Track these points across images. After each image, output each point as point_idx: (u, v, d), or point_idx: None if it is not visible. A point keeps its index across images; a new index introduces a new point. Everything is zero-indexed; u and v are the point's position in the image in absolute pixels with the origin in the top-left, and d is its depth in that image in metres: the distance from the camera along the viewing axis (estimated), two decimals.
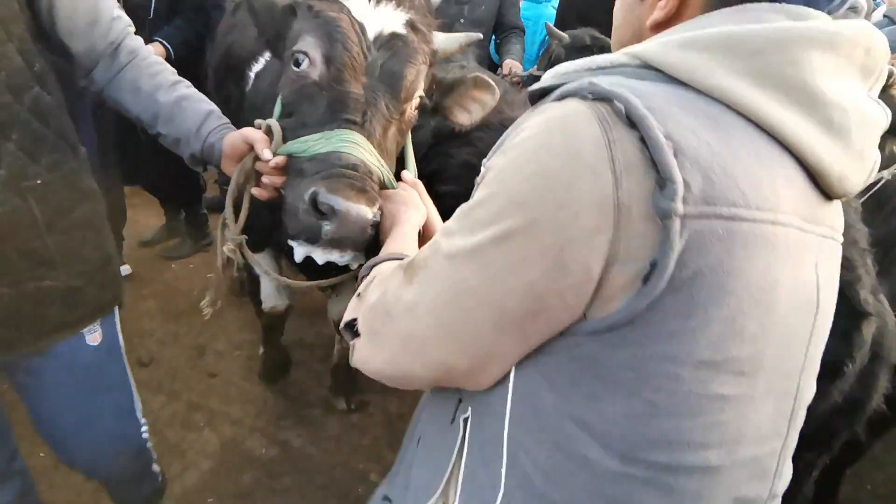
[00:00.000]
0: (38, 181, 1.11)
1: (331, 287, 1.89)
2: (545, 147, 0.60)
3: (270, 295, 2.12)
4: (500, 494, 0.69)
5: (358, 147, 1.04)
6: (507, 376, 0.69)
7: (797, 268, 0.63)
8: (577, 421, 0.64)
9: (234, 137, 1.17)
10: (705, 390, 0.61)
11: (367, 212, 0.99)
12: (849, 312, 0.93)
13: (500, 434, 0.69)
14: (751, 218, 0.58)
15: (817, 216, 0.65)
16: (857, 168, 0.66)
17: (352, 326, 0.80)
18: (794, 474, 1.14)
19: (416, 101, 1.21)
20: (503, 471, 0.69)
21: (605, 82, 0.60)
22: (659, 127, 0.56)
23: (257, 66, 1.72)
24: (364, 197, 1.00)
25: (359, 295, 0.82)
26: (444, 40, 1.28)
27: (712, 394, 0.61)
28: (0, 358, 1.16)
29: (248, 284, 2.21)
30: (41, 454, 2.18)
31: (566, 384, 0.64)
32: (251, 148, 1.13)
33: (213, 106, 1.27)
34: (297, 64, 1.14)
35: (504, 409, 0.69)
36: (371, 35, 1.13)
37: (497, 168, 0.65)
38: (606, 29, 2.14)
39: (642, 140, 0.56)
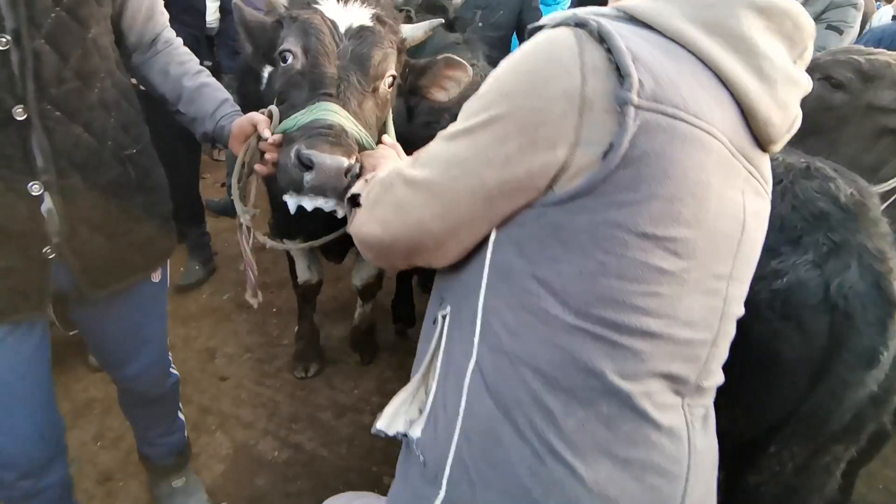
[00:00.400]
0: (134, 150, 1.35)
1: (339, 257, 2.30)
2: (532, 53, 0.76)
3: (303, 271, 2.49)
4: (473, 361, 0.81)
5: (333, 113, 1.22)
6: (484, 253, 0.82)
7: (725, 181, 0.76)
8: (541, 280, 0.76)
9: (242, 120, 1.37)
10: (646, 259, 0.73)
11: (342, 161, 1.14)
12: (882, 302, 0.95)
13: (475, 308, 0.82)
14: (689, 121, 0.71)
15: (747, 152, 0.79)
16: (781, 117, 0.79)
17: (354, 199, 0.98)
18: (823, 468, 1.15)
19: (388, 80, 1.39)
20: (476, 339, 0.81)
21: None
22: (622, 41, 0.71)
23: (268, 70, 1.86)
24: (339, 149, 1.15)
25: (366, 180, 1.01)
26: (410, 29, 1.47)
27: (652, 264, 0.73)
28: (93, 294, 1.35)
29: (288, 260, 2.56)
30: None
31: (534, 249, 0.77)
32: (255, 129, 1.32)
33: (227, 95, 1.49)
34: (285, 60, 1.36)
35: (480, 283, 0.82)
36: (342, 29, 1.33)
37: (494, 74, 0.80)
38: None
39: (608, 51, 0.71)
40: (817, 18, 2.67)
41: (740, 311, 0.85)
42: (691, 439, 0.81)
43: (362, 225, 0.94)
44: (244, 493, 2.10)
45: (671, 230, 0.72)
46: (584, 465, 0.75)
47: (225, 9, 3.10)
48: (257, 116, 1.33)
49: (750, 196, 0.80)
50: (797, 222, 1.04)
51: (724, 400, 1.09)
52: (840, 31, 2.62)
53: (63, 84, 1.17)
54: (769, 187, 0.85)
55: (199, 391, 2.51)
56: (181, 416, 1.94)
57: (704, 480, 0.84)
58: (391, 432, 0.94)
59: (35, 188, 1.18)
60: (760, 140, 0.80)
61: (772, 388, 1.05)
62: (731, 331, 0.85)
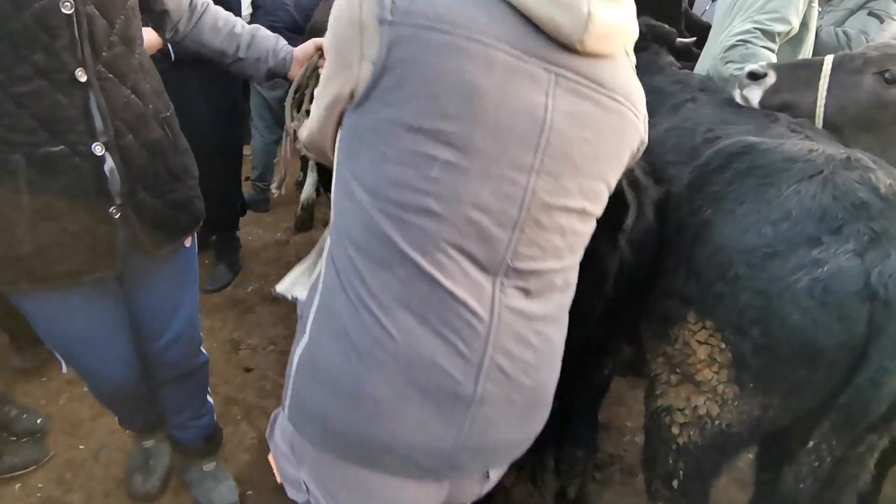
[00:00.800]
0: (167, 114, 1.46)
1: None
2: None
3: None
4: (329, 238, 1.02)
5: None
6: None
7: (508, 82, 0.87)
8: (351, 171, 0.94)
9: (306, 44, 1.57)
10: (419, 148, 0.87)
11: None
12: None
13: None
14: (442, 30, 0.84)
15: (549, 55, 0.88)
16: (568, 18, 0.85)
17: (308, 113, 1.19)
18: (857, 458, 1.16)
19: None
20: (332, 222, 1.01)
21: None
22: None
23: None
24: None
25: None
26: None
27: (425, 153, 0.87)
28: (153, 253, 1.47)
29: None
30: (80, 447, 2.22)
31: (347, 147, 0.96)
32: (318, 49, 1.51)
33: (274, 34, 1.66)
34: None
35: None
36: None
37: None
38: (661, 18, 2.12)
39: None
40: (860, 7, 2.65)
41: (569, 202, 0.96)
42: (495, 311, 0.95)
43: (302, 132, 1.18)
44: (270, 483, 2.12)
45: (439, 124, 0.87)
46: (387, 317, 0.92)
47: (255, 3, 3.15)
48: (322, 39, 1.53)
49: (562, 96, 0.90)
50: (838, 212, 1.04)
51: (759, 387, 1.12)
52: (881, 20, 2.59)
53: (112, 48, 1.26)
54: (608, 89, 0.94)
55: (224, 382, 2.54)
56: (210, 399, 2.00)
57: (516, 355, 0.98)
58: (289, 296, 1.17)
59: (98, 149, 1.27)
60: (558, 39, 0.88)
61: (809, 377, 1.05)
62: (548, 221, 0.95)
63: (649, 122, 1.67)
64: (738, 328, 1.10)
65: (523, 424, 1.06)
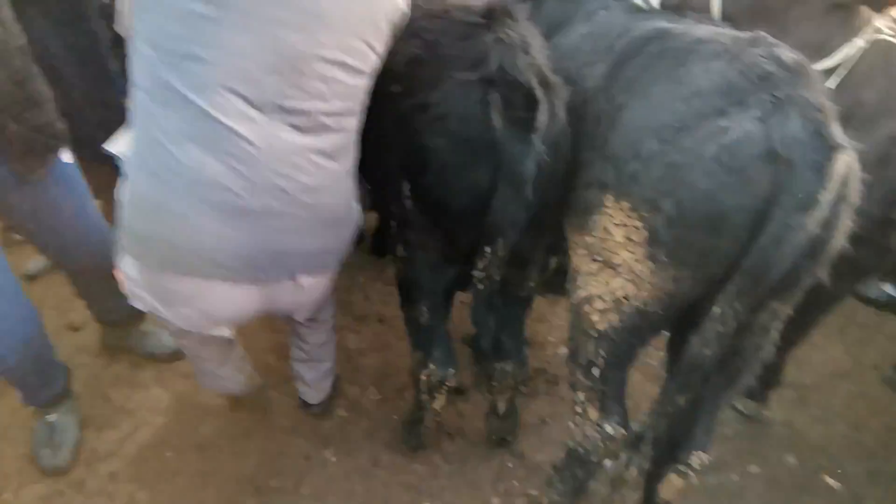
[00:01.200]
0: (23, 42, 1.50)
1: None
2: None
3: None
4: (132, 94, 1.22)
5: None
6: None
7: None
8: (137, 32, 1.16)
9: None
10: (184, 6, 1.09)
11: None
12: (822, 147, 0.99)
13: None
14: None
15: None
16: None
17: None
18: (761, 326, 1.20)
19: None
20: (130, 80, 1.22)
21: None
22: None
23: None
24: None
25: None
26: None
27: (189, 9, 1.08)
28: (28, 176, 1.57)
29: None
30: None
31: (134, 13, 1.16)
32: None
33: None
34: None
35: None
36: None
37: None
38: None
39: None
40: None
41: (325, 53, 1.16)
42: (268, 141, 1.17)
43: (117, 25, 1.37)
44: (190, 442, 2.05)
45: None
46: (177, 148, 1.15)
47: None
48: None
49: None
50: (744, 84, 1.07)
51: (672, 260, 1.14)
52: None
53: None
54: None
55: None
56: None
57: (292, 178, 1.22)
58: (115, 151, 1.34)
59: None
60: None
61: (716, 243, 1.09)
62: (307, 68, 1.16)
63: (564, 30, 1.66)
64: (651, 204, 1.12)
65: (318, 236, 1.34)
